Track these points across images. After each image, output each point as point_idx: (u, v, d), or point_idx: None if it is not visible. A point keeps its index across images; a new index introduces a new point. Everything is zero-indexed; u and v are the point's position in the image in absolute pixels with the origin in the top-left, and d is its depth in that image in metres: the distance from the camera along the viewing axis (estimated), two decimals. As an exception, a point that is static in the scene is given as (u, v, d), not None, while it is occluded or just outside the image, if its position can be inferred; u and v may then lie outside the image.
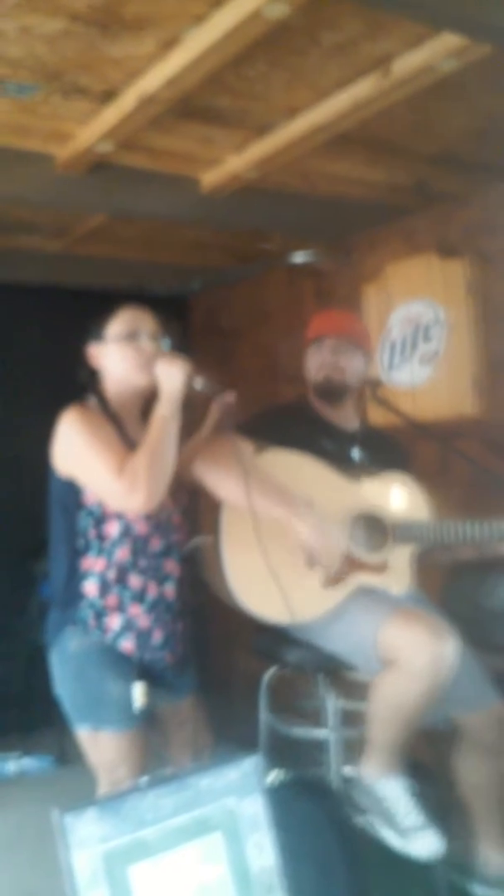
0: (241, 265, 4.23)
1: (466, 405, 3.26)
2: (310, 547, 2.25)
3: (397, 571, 2.43)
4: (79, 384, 2.25)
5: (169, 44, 2.01)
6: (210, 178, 2.92)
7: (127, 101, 2.24)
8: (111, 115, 2.33)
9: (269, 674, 2.70)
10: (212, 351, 4.65)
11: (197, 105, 2.35)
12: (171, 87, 2.13)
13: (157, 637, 2.18)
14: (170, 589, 2.22)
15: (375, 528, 2.43)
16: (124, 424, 2.20)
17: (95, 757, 2.15)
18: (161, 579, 2.21)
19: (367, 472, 2.51)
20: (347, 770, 2.45)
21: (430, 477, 2.65)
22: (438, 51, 2.07)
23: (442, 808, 2.35)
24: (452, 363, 3.32)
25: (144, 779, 1.55)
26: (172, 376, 2.12)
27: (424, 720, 2.24)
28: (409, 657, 2.15)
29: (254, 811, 1.53)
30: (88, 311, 2.26)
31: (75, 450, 2.09)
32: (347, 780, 2.41)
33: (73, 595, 2.15)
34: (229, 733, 2.53)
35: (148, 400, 2.26)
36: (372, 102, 2.31)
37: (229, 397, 2.27)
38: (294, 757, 2.67)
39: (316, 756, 2.65)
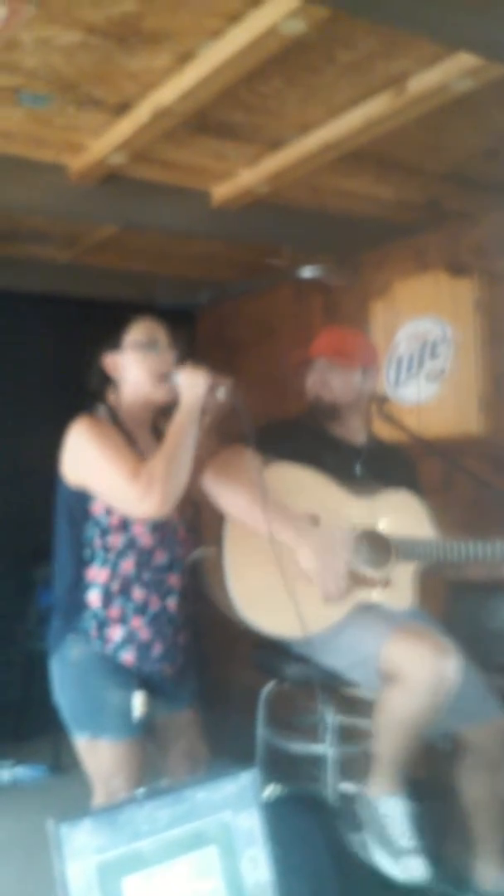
0: (248, 279, 4.24)
1: (472, 423, 3.26)
2: (315, 574, 2.25)
3: (400, 588, 2.42)
4: (88, 393, 2.26)
5: (185, 58, 2.02)
6: (221, 191, 2.94)
7: (141, 113, 2.26)
8: (125, 127, 2.34)
9: (268, 688, 2.69)
10: (218, 364, 4.60)
11: (210, 119, 2.36)
12: (185, 100, 2.15)
13: (158, 649, 2.18)
14: (172, 602, 2.22)
15: (379, 544, 2.43)
16: (134, 436, 2.20)
17: (93, 765, 2.14)
18: (164, 593, 2.20)
19: (372, 487, 2.50)
20: (344, 786, 2.44)
21: (433, 494, 2.64)
22: (453, 70, 2.08)
23: (439, 823, 2.34)
24: (459, 381, 3.33)
25: (141, 790, 1.54)
26: (195, 385, 2.13)
27: (426, 735, 2.23)
28: (411, 673, 2.14)
29: (249, 826, 1.52)
30: (96, 321, 2.27)
31: (87, 457, 2.08)
32: (344, 797, 2.40)
33: (76, 604, 2.15)
34: (226, 747, 2.52)
35: (157, 414, 2.28)
36: (385, 120, 2.33)
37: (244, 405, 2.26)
38: (291, 772, 2.66)
39: (313, 772, 2.64)
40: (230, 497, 2.30)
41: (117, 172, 2.67)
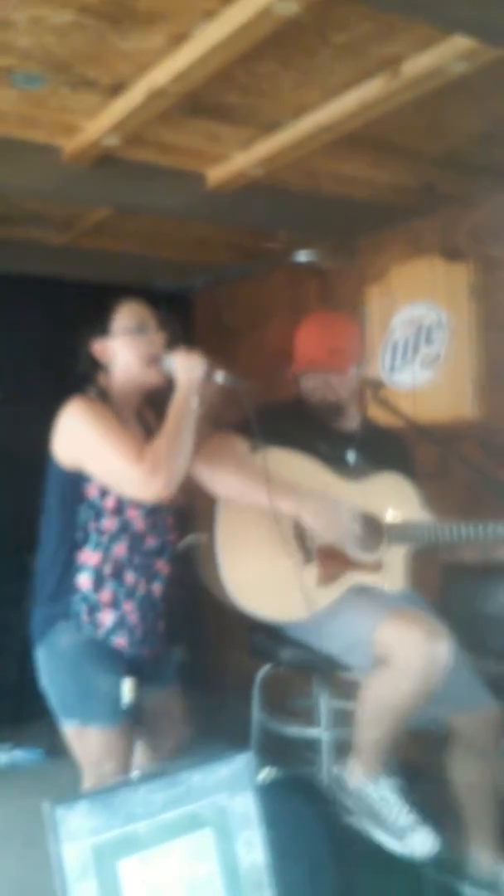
0: (244, 263, 4.23)
1: (466, 408, 3.26)
2: (321, 527, 2.26)
3: (392, 571, 2.43)
4: (79, 376, 2.25)
5: (179, 38, 2.00)
6: (216, 174, 2.92)
7: (135, 94, 2.24)
8: (119, 108, 2.32)
9: (263, 672, 2.70)
10: (214, 348, 4.60)
11: (205, 101, 2.34)
12: (179, 81, 2.13)
13: (141, 633, 2.18)
14: (157, 587, 2.23)
15: (371, 527, 2.43)
16: (124, 420, 2.19)
17: (82, 752, 2.14)
18: (151, 577, 2.21)
19: (364, 471, 2.50)
20: (339, 769, 2.45)
21: (428, 479, 2.65)
22: (448, 53, 2.06)
23: (433, 808, 2.35)
24: (453, 366, 3.32)
25: (136, 773, 1.55)
26: (192, 368, 2.14)
27: (416, 721, 2.24)
28: (402, 656, 2.15)
29: (244, 808, 1.53)
30: (91, 304, 2.26)
31: (85, 438, 2.08)
32: (338, 780, 2.41)
33: (65, 588, 2.14)
34: (221, 730, 2.53)
35: (142, 401, 2.28)
36: (380, 103, 2.31)
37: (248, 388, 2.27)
38: (285, 755, 2.67)
39: (307, 755, 2.65)
40: (223, 479, 2.30)
41: (111, 154, 2.65)
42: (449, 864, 2.39)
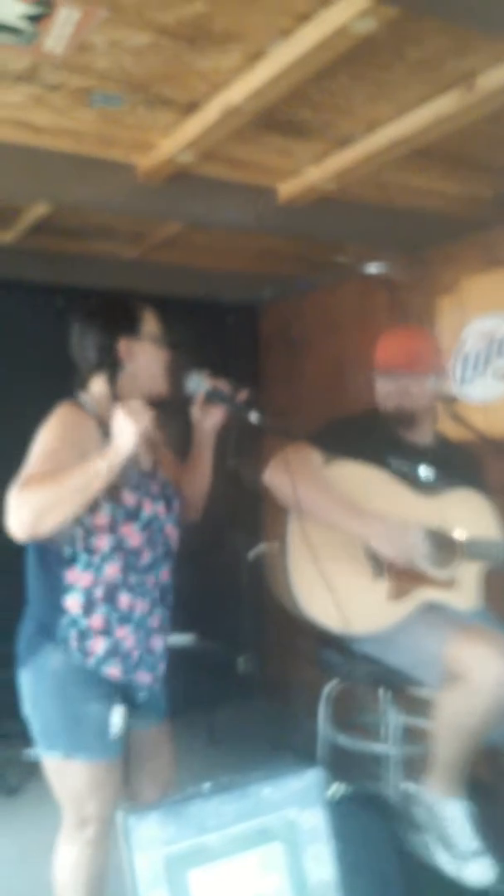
0: (313, 275, 4.23)
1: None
2: (385, 553, 2.24)
3: (465, 588, 2.41)
4: (80, 374, 2.14)
5: (254, 57, 2.03)
6: (288, 188, 2.93)
7: (210, 112, 2.27)
8: (194, 126, 2.36)
9: (330, 686, 2.69)
10: (280, 361, 4.66)
11: (278, 117, 2.36)
12: (254, 99, 2.15)
13: (136, 658, 2.04)
14: (158, 605, 2.09)
15: (444, 543, 2.41)
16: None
17: (63, 788, 2.00)
18: (149, 594, 2.06)
19: (437, 486, 2.49)
20: (407, 786, 2.43)
21: (500, 494, 2.61)
22: (523, 67, 2.05)
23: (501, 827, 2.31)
24: (526, 379, 3.27)
25: (207, 784, 1.54)
26: (126, 433, 1.83)
27: (490, 740, 2.21)
28: (474, 675, 2.13)
29: (314, 823, 1.53)
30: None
31: (34, 447, 1.93)
32: (406, 797, 2.39)
33: (52, 608, 1.99)
34: (287, 743, 2.53)
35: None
36: (454, 117, 2.30)
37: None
38: (352, 770, 2.66)
39: (374, 771, 2.64)
40: (297, 490, 2.30)
41: (185, 170, 2.68)
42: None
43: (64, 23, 1.84)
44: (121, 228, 3.42)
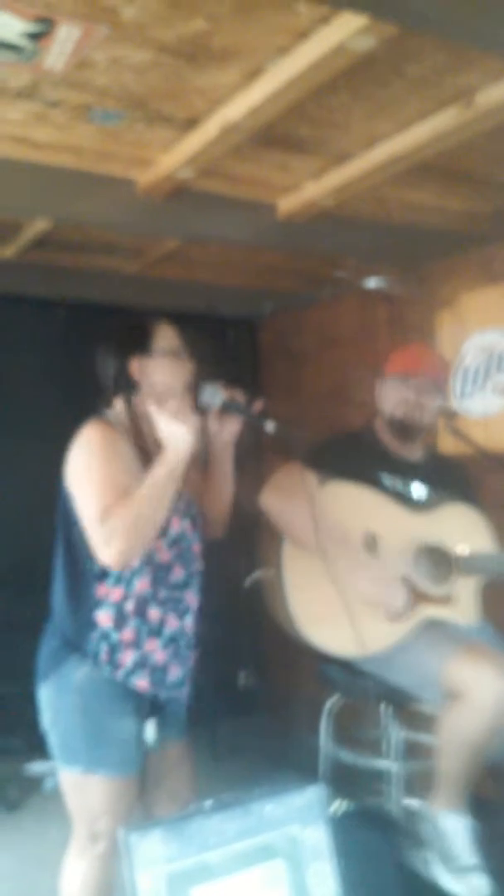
0: (312, 290, 4.24)
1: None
2: (374, 599, 2.24)
3: (463, 603, 2.40)
4: (99, 396, 2.15)
5: (253, 74, 2.04)
6: (287, 204, 2.94)
7: (210, 129, 2.28)
8: (193, 142, 2.37)
9: (332, 702, 2.68)
10: (280, 375, 4.66)
11: (277, 133, 2.37)
12: (253, 116, 2.16)
13: (175, 673, 2.04)
14: (189, 622, 2.08)
15: (439, 559, 2.41)
16: (145, 438, 2.06)
17: (79, 802, 1.99)
18: (181, 612, 2.06)
19: (431, 502, 2.49)
20: (409, 802, 2.42)
21: (499, 509, 2.61)
22: (522, 83, 2.06)
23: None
24: (526, 393, 3.28)
25: (209, 801, 1.53)
26: (180, 439, 1.89)
27: (490, 755, 2.21)
28: (474, 692, 2.13)
29: (316, 840, 1.52)
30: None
31: (80, 474, 1.97)
32: (409, 813, 2.38)
33: (82, 624, 1.99)
34: (289, 759, 2.52)
35: None
36: (453, 134, 2.31)
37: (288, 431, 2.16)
38: (353, 786, 2.64)
39: (376, 786, 2.62)
40: (288, 518, 2.31)
41: (185, 186, 2.70)
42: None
43: (64, 40, 1.85)
44: (121, 243, 3.42)
